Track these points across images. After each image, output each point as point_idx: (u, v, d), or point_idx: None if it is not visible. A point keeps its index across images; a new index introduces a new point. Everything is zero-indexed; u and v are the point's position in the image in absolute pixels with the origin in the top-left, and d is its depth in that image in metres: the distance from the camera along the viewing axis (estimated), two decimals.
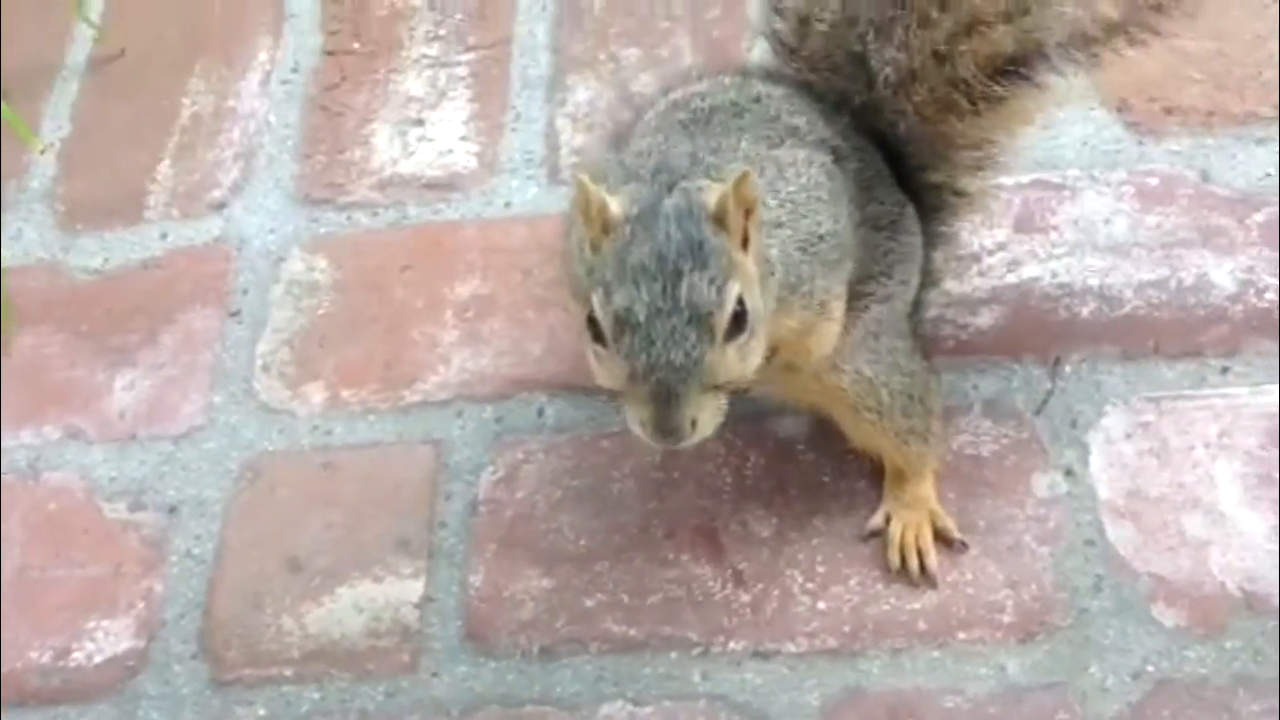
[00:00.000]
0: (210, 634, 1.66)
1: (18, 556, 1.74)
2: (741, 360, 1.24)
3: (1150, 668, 1.49)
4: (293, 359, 1.90)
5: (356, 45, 2.25)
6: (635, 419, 1.24)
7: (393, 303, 1.94)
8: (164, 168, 2.14)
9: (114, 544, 1.75)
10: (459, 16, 2.26)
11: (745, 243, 1.25)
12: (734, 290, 1.21)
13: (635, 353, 1.21)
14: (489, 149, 2.08)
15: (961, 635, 1.54)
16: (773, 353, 1.32)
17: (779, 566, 1.62)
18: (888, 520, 1.61)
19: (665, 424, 1.22)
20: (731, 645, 1.57)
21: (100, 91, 2.27)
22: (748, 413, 1.64)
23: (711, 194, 1.24)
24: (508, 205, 2.01)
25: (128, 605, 1.69)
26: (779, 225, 1.34)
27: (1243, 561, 1.54)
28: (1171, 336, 1.71)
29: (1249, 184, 1.82)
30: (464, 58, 2.20)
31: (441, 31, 2.24)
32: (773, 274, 1.31)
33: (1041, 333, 1.73)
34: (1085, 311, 1.75)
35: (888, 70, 1.49)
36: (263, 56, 2.26)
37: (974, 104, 1.50)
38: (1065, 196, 1.85)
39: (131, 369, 1.92)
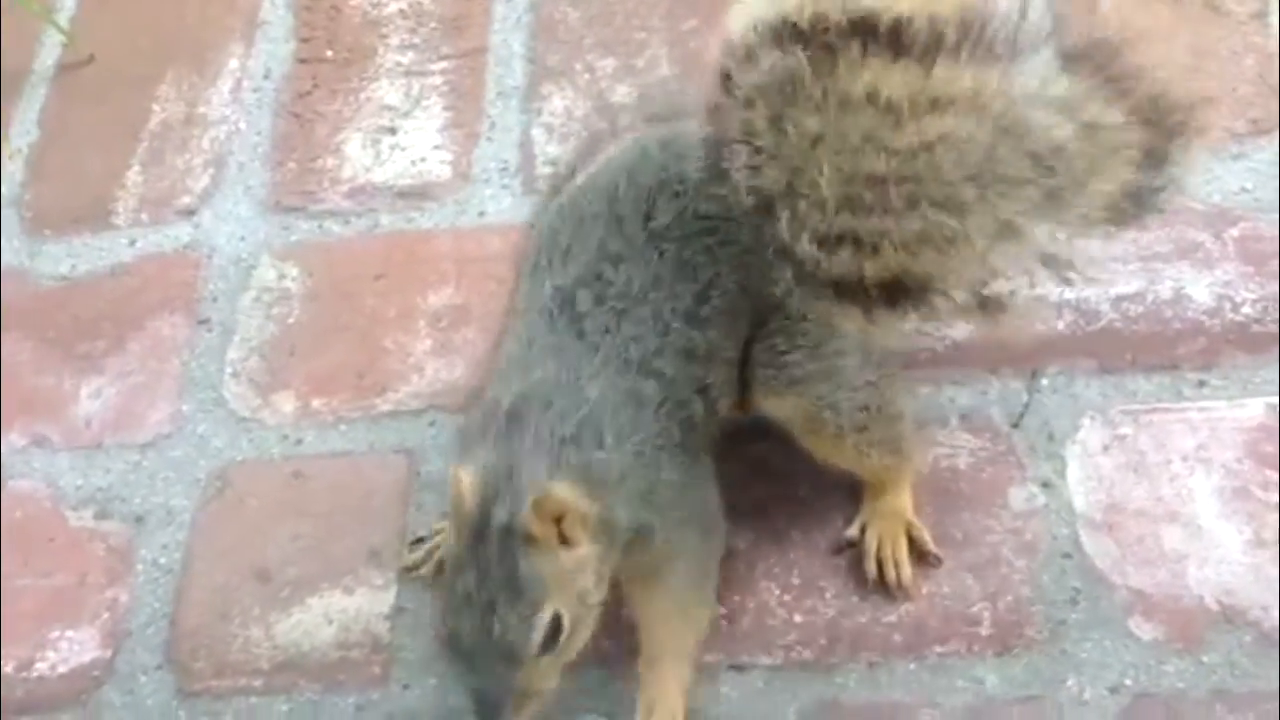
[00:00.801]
0: (177, 644, 1.63)
1: None
2: (560, 657, 1.34)
3: (1128, 681, 1.48)
4: (263, 367, 1.87)
5: (329, 53, 2.23)
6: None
7: (365, 311, 1.92)
8: (133, 174, 2.12)
9: (80, 553, 1.72)
10: (433, 25, 2.24)
11: (565, 538, 1.31)
12: (544, 617, 1.30)
13: (457, 673, 1.36)
14: (463, 158, 2.07)
15: (938, 648, 1.53)
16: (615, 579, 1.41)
17: (754, 579, 1.60)
18: (863, 531, 1.60)
19: None
20: (707, 658, 1.55)
21: (69, 98, 2.24)
22: (724, 430, 1.63)
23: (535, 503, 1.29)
24: (482, 214, 2.00)
25: (93, 615, 1.66)
26: (623, 478, 1.38)
27: (1220, 575, 1.54)
28: (1148, 350, 1.71)
29: (1225, 199, 1.82)
30: (438, 66, 2.18)
31: (416, 40, 2.23)
32: (615, 532, 1.37)
33: (1018, 346, 1.72)
34: (1062, 325, 1.74)
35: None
36: (234, 64, 2.24)
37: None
38: None
39: (99, 376, 1.89)
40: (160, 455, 1.80)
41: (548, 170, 2.01)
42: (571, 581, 1.32)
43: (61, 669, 1.63)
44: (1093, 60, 1.37)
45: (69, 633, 1.65)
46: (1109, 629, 1.52)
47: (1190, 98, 1.39)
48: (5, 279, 2.01)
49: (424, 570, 1.61)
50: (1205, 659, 1.49)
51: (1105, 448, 1.64)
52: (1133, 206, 1.39)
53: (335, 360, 1.87)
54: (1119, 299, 1.75)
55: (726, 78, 1.40)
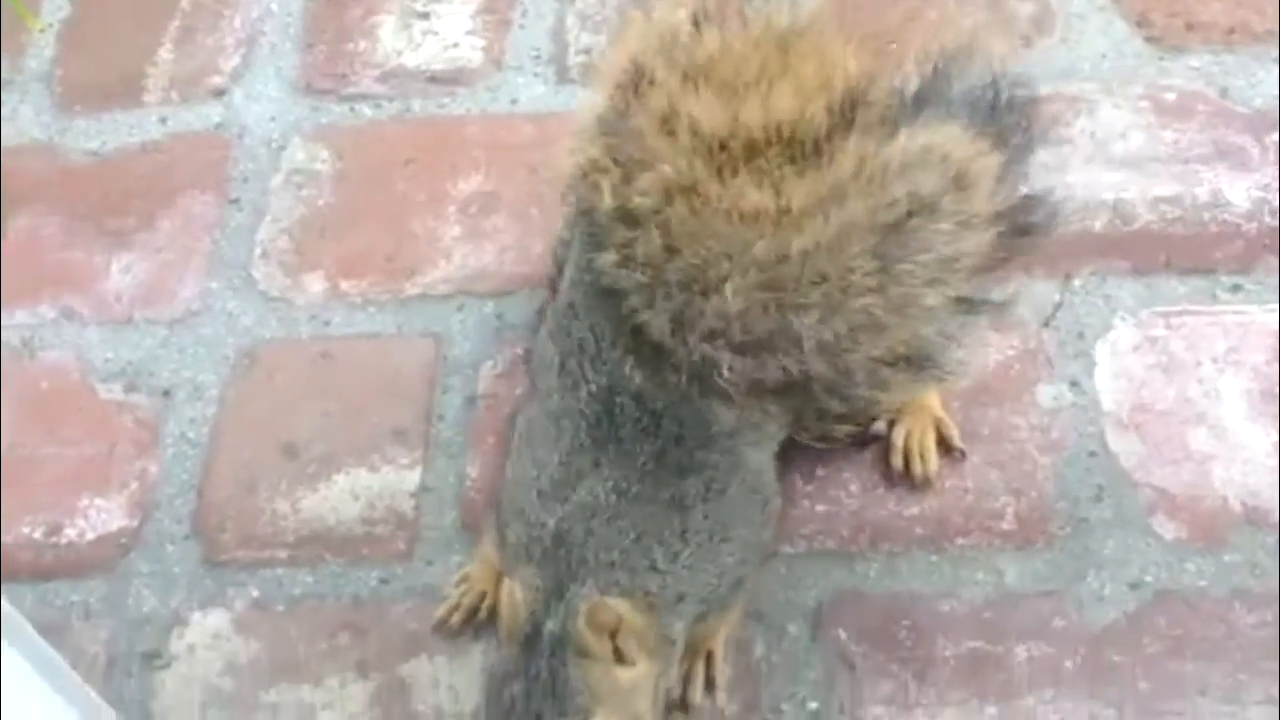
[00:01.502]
0: (204, 515, 1.64)
1: (10, 433, 1.72)
2: None
3: (1148, 578, 1.49)
4: (292, 248, 1.87)
5: None
6: None
7: (394, 196, 1.91)
8: (164, 52, 2.11)
9: (108, 424, 1.73)
10: None
11: (620, 655, 1.28)
12: None
13: None
14: (496, 44, 2.05)
15: (960, 541, 1.54)
16: None
17: (780, 470, 1.60)
18: (891, 426, 1.60)
19: None
20: None
21: None
22: None
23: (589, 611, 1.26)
24: (514, 102, 1.98)
25: (121, 485, 1.68)
26: (680, 598, 1.34)
27: (1245, 476, 1.54)
28: (1184, 252, 1.70)
29: (1267, 102, 1.80)
30: None
31: None
32: (673, 649, 1.35)
33: (1053, 245, 1.70)
34: (1098, 225, 1.73)
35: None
36: None
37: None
38: (1082, 109, 1.83)
39: (128, 252, 1.89)
40: (189, 331, 1.80)
41: (581, 59, 2.00)
42: (625, 700, 1.28)
43: (90, 536, 1.64)
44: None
45: (97, 501, 1.67)
46: (1131, 527, 1.52)
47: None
48: (35, 154, 2.00)
49: (455, 620, 1.53)
50: (1226, 558, 1.49)
51: (1135, 348, 1.64)
52: (1020, 218, 1.38)
53: (364, 243, 1.87)
54: (1156, 200, 1.74)
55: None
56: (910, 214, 1.30)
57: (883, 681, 1.45)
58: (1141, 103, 1.83)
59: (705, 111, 1.33)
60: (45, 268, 1.88)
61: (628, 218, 1.32)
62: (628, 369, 1.36)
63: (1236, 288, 1.66)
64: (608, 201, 1.33)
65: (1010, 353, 1.65)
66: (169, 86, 2.06)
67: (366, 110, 2.00)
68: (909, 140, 1.32)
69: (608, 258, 1.33)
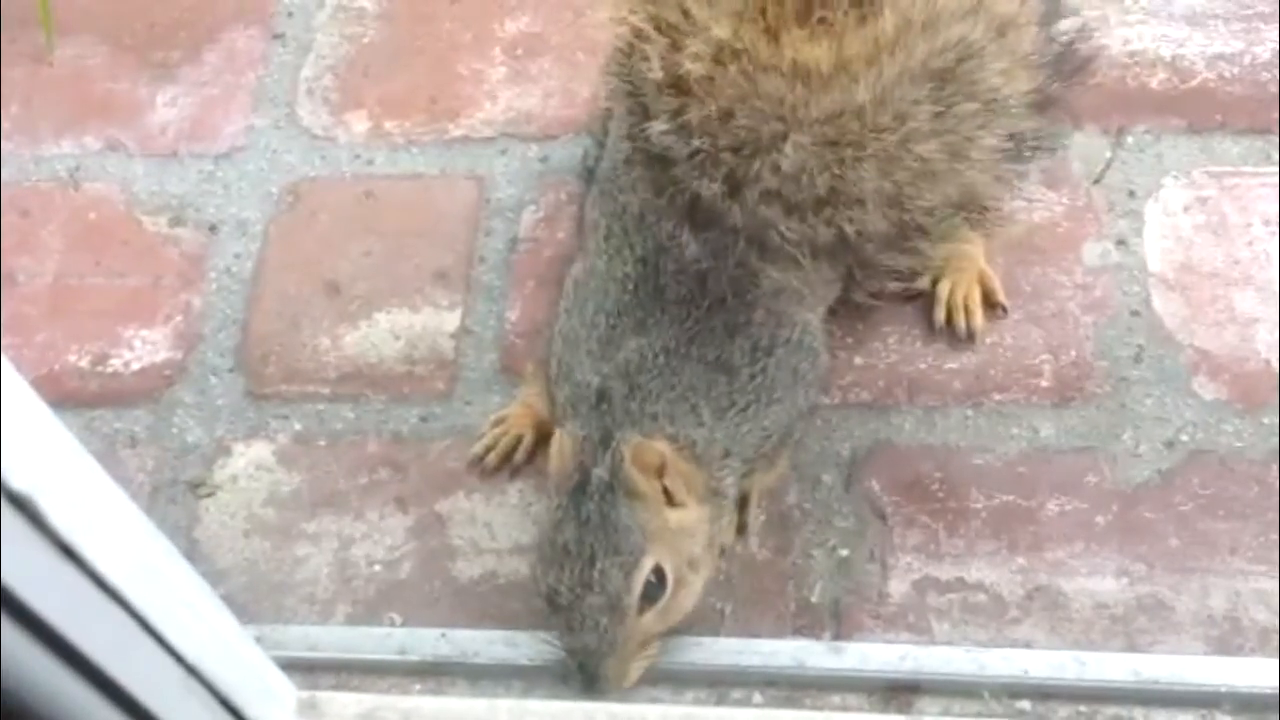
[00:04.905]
0: (248, 349, 1.66)
1: (56, 263, 1.74)
2: (664, 616, 1.32)
3: (1185, 437, 1.48)
4: (336, 86, 1.86)
5: None
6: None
7: (440, 36, 1.89)
8: None
9: (153, 257, 1.74)
10: None
11: (670, 498, 1.30)
12: (644, 568, 1.28)
13: (560, 631, 1.31)
14: None
15: (997, 396, 1.54)
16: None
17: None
18: (934, 280, 1.59)
19: (590, 690, 1.31)
20: None
21: None
22: None
23: (634, 450, 1.29)
24: None
25: (166, 317, 1.70)
26: (727, 454, 1.36)
27: None
28: (1240, 112, 1.66)
29: None
30: None
31: None
32: (725, 501, 1.38)
33: (1107, 101, 1.68)
34: (1154, 82, 1.70)
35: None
36: None
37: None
38: None
39: (173, 85, 1.88)
40: (234, 167, 1.81)
41: None
42: (678, 541, 1.31)
43: (135, 366, 1.67)
44: None
45: (143, 332, 1.69)
46: (1170, 387, 1.51)
47: None
48: None
49: (490, 460, 1.54)
50: (1265, 420, 1.48)
51: (1186, 208, 1.61)
52: (1056, 66, 1.37)
53: (409, 83, 1.85)
54: (1215, 58, 1.70)
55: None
56: (963, 59, 1.29)
57: (913, 531, 1.47)
58: None
59: None
60: (91, 98, 1.88)
61: (678, 85, 1.31)
62: (681, 235, 1.37)
63: None
64: (656, 71, 1.32)
65: (1058, 209, 1.64)
66: None
67: None
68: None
69: (658, 126, 1.32)
